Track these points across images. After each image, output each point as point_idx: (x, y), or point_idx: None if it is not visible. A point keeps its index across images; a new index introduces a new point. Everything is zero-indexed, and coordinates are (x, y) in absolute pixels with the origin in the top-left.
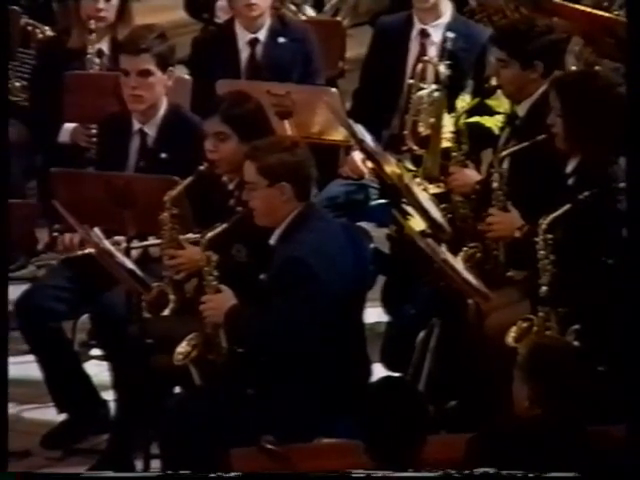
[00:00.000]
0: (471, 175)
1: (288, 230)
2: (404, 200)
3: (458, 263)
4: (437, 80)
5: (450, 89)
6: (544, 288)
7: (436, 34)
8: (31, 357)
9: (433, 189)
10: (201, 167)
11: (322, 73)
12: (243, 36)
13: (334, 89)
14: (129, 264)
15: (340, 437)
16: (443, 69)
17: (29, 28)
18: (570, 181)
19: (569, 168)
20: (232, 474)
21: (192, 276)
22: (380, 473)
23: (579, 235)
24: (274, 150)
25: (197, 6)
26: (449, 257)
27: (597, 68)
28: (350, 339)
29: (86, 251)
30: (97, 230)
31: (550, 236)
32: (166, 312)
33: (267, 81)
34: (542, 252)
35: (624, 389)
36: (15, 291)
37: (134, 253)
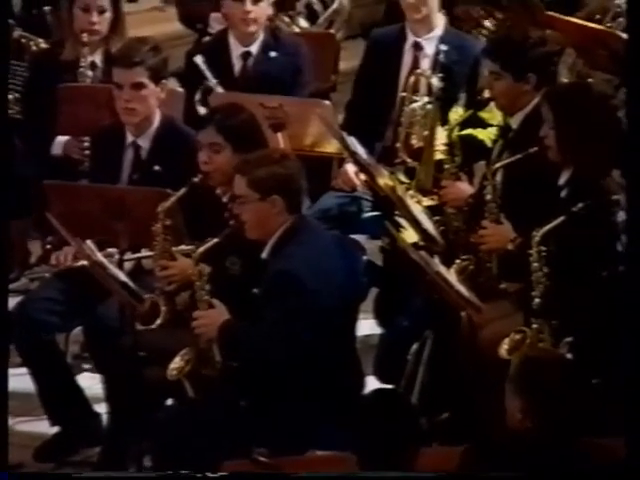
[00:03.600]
0: (464, 188)
1: (279, 243)
2: (397, 212)
3: (451, 275)
4: (430, 92)
5: (443, 101)
6: (537, 300)
7: (429, 47)
8: (24, 369)
9: (426, 201)
10: (195, 179)
11: (310, 86)
12: (236, 49)
13: (327, 101)
14: (122, 276)
15: (333, 449)
16: (436, 81)
17: (23, 40)
18: (563, 193)
19: (562, 180)
20: (228, 473)
21: (184, 288)
22: (377, 474)
23: (573, 247)
24: (264, 163)
25: (192, 17)
26: (442, 269)
27: (590, 80)
28: (343, 351)
29: (79, 263)
30: (90, 242)
31: (544, 248)
32: (157, 323)
33: (259, 94)
34: (535, 264)
35: (621, 402)
36: (8, 303)
37: (127, 265)
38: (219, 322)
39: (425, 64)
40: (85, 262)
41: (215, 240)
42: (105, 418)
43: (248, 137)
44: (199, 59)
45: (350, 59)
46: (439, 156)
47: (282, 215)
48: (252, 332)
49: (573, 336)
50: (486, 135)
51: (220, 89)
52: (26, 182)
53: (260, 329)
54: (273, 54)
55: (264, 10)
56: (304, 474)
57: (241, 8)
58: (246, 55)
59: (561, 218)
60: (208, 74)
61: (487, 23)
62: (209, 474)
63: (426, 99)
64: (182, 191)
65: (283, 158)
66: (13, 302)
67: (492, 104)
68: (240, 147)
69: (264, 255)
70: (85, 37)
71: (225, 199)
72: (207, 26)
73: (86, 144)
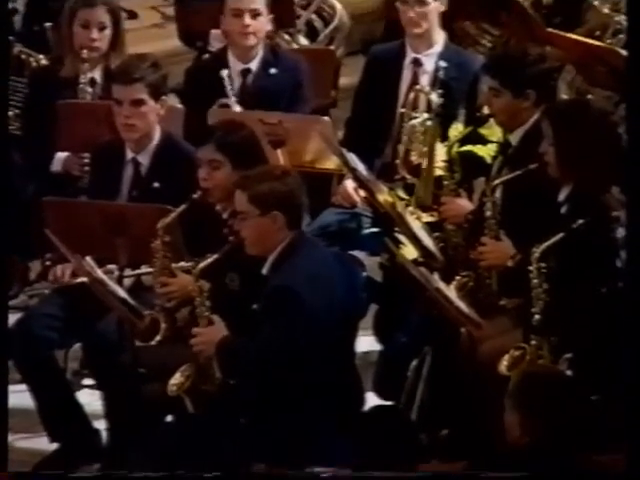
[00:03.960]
0: (463, 204)
1: (279, 259)
2: (397, 229)
3: (451, 292)
4: (429, 109)
5: (442, 118)
6: (537, 316)
7: (428, 63)
8: (23, 386)
9: (426, 218)
10: (194, 195)
11: (310, 102)
12: (235, 66)
13: (326, 118)
14: (121, 293)
15: (332, 465)
16: (435, 98)
17: (23, 56)
18: (563, 209)
19: (562, 196)
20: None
21: (184, 304)
22: (378, 473)
23: (572, 263)
24: (265, 179)
25: (191, 35)
26: (442, 286)
27: (589, 97)
28: (342, 367)
29: (79, 280)
30: (89, 259)
31: (543, 264)
32: (157, 339)
33: (258, 110)
34: (535, 281)
35: (621, 418)
36: (8, 320)
37: (127, 282)
38: (217, 338)
39: (424, 80)
40: (85, 278)
41: (215, 256)
42: (105, 434)
43: (248, 154)
44: (224, 73)
45: (350, 75)
46: (438, 172)
47: (282, 231)
48: (250, 348)
49: (572, 352)
50: (486, 151)
51: (238, 107)
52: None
53: (259, 345)
54: (273, 71)
55: (263, 25)
56: (304, 474)
57: (240, 23)
58: (246, 72)
59: (560, 234)
60: (228, 89)
61: (485, 40)
62: (207, 474)
63: (426, 115)
64: (182, 208)
65: (284, 174)
66: (13, 319)
67: (492, 120)
68: (240, 164)
69: (264, 271)
70: (85, 53)
71: (225, 215)
72: (207, 44)
73: (86, 160)
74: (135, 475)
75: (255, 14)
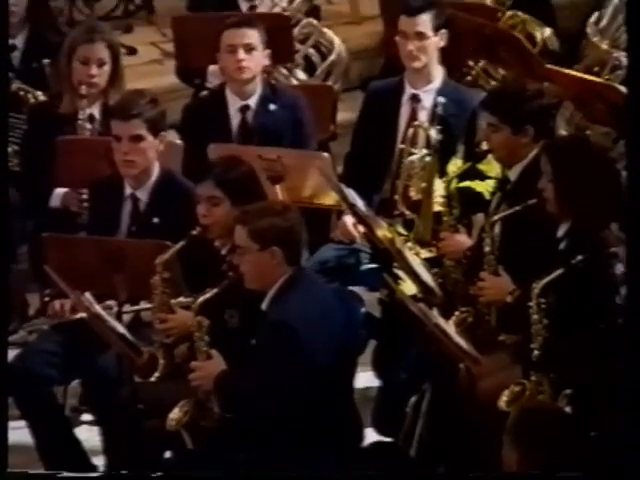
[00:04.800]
0: (462, 240)
1: (278, 294)
2: (395, 264)
3: (450, 327)
4: (428, 145)
5: (441, 153)
6: (537, 352)
7: (427, 99)
8: (22, 422)
9: (425, 253)
10: (193, 232)
11: (313, 139)
12: (234, 103)
13: (325, 154)
14: (120, 329)
15: None
16: (434, 134)
17: (21, 93)
18: (562, 245)
19: (560, 232)
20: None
21: (182, 340)
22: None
23: (572, 299)
24: (265, 214)
25: (188, 72)
26: (441, 321)
27: (588, 133)
28: (341, 404)
29: (77, 316)
30: (88, 295)
31: (543, 300)
32: (155, 376)
33: (257, 146)
34: (535, 316)
35: (620, 454)
36: (7, 356)
37: (126, 317)
38: (216, 373)
39: (423, 116)
40: (83, 314)
41: (214, 291)
42: (103, 471)
43: (247, 190)
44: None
45: (348, 111)
46: (437, 208)
47: (282, 266)
48: (249, 383)
49: (572, 388)
50: (484, 187)
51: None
52: None
53: (257, 380)
54: (272, 107)
55: (258, 60)
56: (304, 474)
57: (234, 58)
58: (245, 109)
59: (560, 270)
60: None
61: (484, 81)
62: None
63: (424, 151)
64: (181, 244)
65: (284, 210)
66: (12, 354)
67: (490, 156)
68: (239, 200)
69: (263, 306)
70: (84, 89)
71: (224, 252)
72: (204, 80)
73: (84, 196)
74: (135, 475)
75: (249, 49)
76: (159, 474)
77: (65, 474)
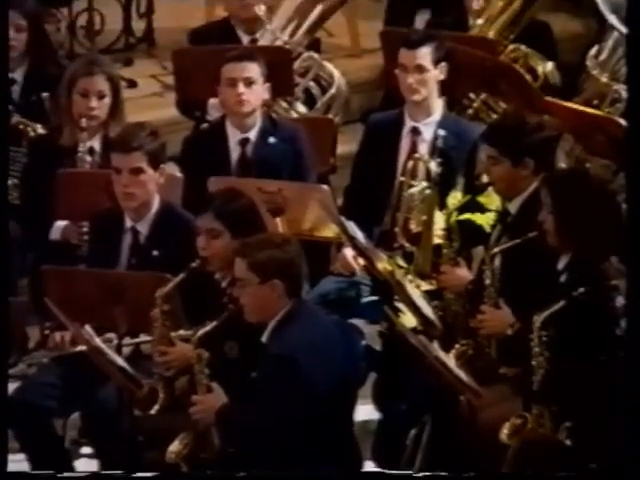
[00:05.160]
0: (463, 274)
1: (279, 327)
2: (396, 297)
3: (450, 360)
4: (428, 177)
5: (441, 186)
6: (538, 385)
7: (427, 131)
8: (22, 455)
9: (425, 286)
10: (193, 264)
11: (313, 171)
12: (234, 135)
13: (325, 186)
14: (120, 361)
15: None
16: (434, 166)
17: (21, 126)
18: (562, 278)
19: (561, 265)
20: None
21: (182, 373)
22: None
23: (572, 332)
24: (265, 247)
25: (189, 104)
26: (441, 354)
27: (588, 165)
28: (341, 436)
29: (77, 348)
30: (88, 327)
31: (545, 333)
32: (155, 409)
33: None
34: (536, 349)
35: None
36: (7, 389)
37: (125, 350)
38: (217, 406)
39: (423, 149)
40: (83, 347)
41: (214, 323)
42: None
43: (247, 222)
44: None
45: (348, 143)
46: (437, 241)
47: (282, 299)
48: (250, 416)
49: (572, 421)
50: (484, 220)
51: None
52: None
53: (258, 413)
54: (272, 140)
55: (258, 93)
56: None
57: (234, 91)
58: (244, 141)
59: (562, 303)
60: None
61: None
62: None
63: (424, 184)
64: (181, 276)
65: (284, 242)
66: (12, 387)
67: (490, 189)
68: (239, 232)
69: (264, 339)
70: (84, 122)
71: (224, 284)
72: (205, 113)
73: (84, 229)
74: (135, 475)
75: (249, 82)
76: (158, 474)
77: (65, 474)
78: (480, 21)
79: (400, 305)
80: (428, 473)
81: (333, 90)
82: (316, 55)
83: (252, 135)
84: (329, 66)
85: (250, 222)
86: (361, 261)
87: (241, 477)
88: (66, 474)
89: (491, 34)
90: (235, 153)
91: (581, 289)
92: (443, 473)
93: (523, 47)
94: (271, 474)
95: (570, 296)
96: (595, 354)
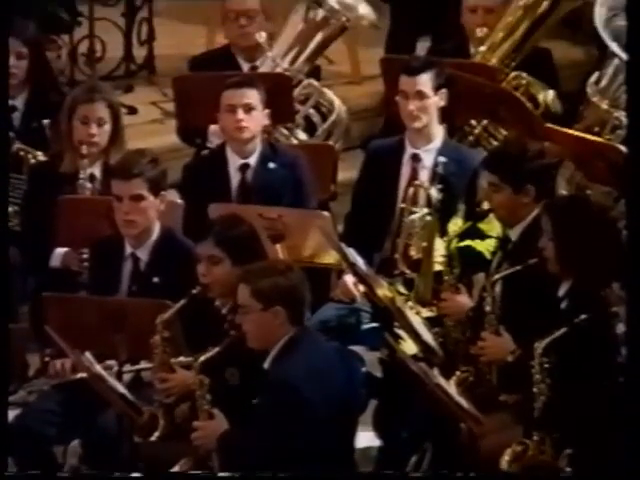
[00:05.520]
0: (463, 302)
1: (281, 354)
2: (396, 323)
3: (450, 387)
4: (429, 204)
5: (442, 213)
6: (539, 412)
7: (427, 158)
8: None
9: (425, 313)
10: (194, 291)
11: (313, 197)
12: (234, 161)
13: (326, 213)
14: (121, 388)
15: None
16: (435, 193)
17: (21, 153)
18: (563, 305)
19: (561, 292)
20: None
21: (183, 400)
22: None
23: (573, 359)
24: (268, 274)
25: (189, 131)
26: (441, 381)
27: (588, 192)
28: (342, 463)
29: (78, 375)
30: (89, 354)
31: (546, 360)
32: (155, 436)
33: (258, 205)
34: (537, 376)
35: None
36: (7, 416)
37: (126, 377)
38: (218, 433)
39: (424, 176)
40: (84, 374)
41: (216, 350)
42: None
43: (247, 249)
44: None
45: (349, 170)
46: (438, 267)
47: (284, 326)
48: (251, 442)
49: (573, 448)
50: (485, 247)
51: None
52: None
53: (259, 439)
54: (272, 165)
55: (257, 119)
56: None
57: (234, 118)
58: (244, 167)
59: (563, 329)
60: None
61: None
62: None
63: (425, 210)
64: (181, 303)
65: (287, 269)
66: (12, 414)
67: (491, 216)
68: (239, 259)
69: (265, 365)
70: (84, 149)
71: (224, 311)
72: (205, 140)
73: (85, 256)
74: (135, 475)
75: (248, 109)
76: (156, 473)
77: (65, 474)
78: (482, 48)
79: (401, 332)
80: (428, 473)
81: (333, 117)
82: (316, 82)
83: (252, 161)
84: (329, 93)
85: (250, 249)
86: (361, 288)
87: (241, 477)
88: (66, 474)
89: (493, 61)
90: (235, 179)
91: (583, 316)
92: (443, 472)
93: (524, 75)
94: (271, 474)
95: (572, 323)
96: (596, 381)
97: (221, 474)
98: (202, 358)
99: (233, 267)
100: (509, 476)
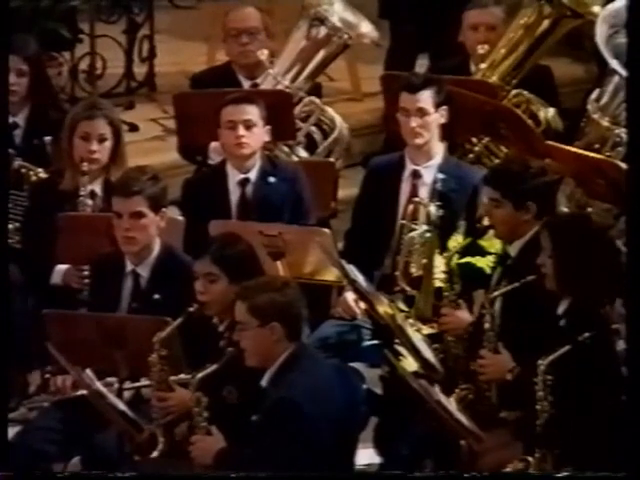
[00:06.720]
0: (463, 317)
1: (279, 371)
2: (396, 340)
3: (451, 404)
4: (429, 221)
5: (442, 229)
6: (541, 429)
7: (427, 175)
8: None
9: (425, 329)
10: (190, 308)
11: (313, 213)
12: (234, 176)
13: (326, 229)
14: (121, 406)
15: None
16: (434, 210)
17: (22, 170)
18: (562, 322)
19: (561, 309)
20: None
21: (182, 419)
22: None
23: (574, 376)
24: (265, 290)
25: (190, 149)
26: (442, 398)
27: (589, 209)
28: None
29: (78, 393)
30: (89, 371)
31: (549, 377)
32: (154, 454)
33: (258, 221)
34: (540, 393)
35: None
36: (7, 433)
37: (126, 394)
38: (215, 449)
39: (424, 192)
40: (84, 391)
41: (214, 367)
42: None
43: (244, 268)
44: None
45: (350, 187)
46: (438, 284)
47: (282, 343)
48: (249, 461)
49: (574, 465)
50: (485, 263)
51: None
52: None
53: (257, 457)
54: (272, 180)
55: (257, 136)
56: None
57: (234, 134)
58: (244, 182)
59: (567, 347)
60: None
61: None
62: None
63: (425, 227)
64: (178, 321)
65: (284, 286)
66: (12, 432)
67: (491, 232)
68: (236, 277)
69: (263, 383)
70: (85, 166)
71: (222, 328)
72: (206, 157)
73: (85, 273)
74: (136, 475)
75: (248, 125)
76: (156, 473)
77: (66, 474)
78: (483, 66)
79: (401, 349)
80: (428, 473)
81: (335, 134)
82: (317, 100)
83: (252, 175)
84: (330, 110)
85: (248, 267)
86: (362, 305)
87: (241, 477)
88: (67, 474)
89: (494, 79)
90: (235, 194)
91: (586, 334)
92: (443, 472)
93: (525, 93)
94: (271, 474)
95: (575, 340)
96: (598, 398)
97: (221, 474)
98: (199, 375)
99: (230, 285)
100: (509, 476)
